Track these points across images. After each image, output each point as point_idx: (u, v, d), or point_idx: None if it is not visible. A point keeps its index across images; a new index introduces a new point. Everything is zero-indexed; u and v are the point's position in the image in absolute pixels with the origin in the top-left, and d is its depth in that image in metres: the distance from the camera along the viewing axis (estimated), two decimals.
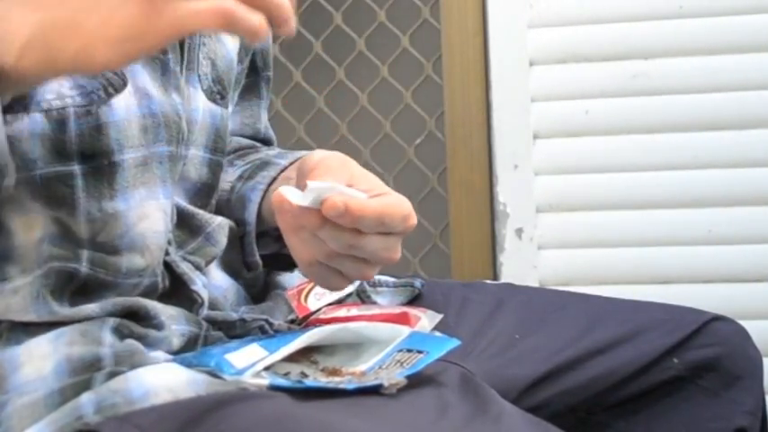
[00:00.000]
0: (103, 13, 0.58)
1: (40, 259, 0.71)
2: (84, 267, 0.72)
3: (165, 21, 0.58)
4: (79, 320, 0.70)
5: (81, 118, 0.72)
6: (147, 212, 0.75)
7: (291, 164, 0.89)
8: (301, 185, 0.72)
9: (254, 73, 0.97)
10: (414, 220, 0.73)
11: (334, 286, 0.76)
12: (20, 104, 0.70)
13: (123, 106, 0.74)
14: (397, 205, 0.72)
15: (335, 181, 0.71)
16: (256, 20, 0.58)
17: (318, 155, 0.77)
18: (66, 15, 0.59)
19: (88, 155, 0.72)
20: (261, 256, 0.89)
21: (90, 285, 0.73)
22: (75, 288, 0.72)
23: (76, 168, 0.72)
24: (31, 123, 0.70)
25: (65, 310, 0.71)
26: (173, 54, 0.78)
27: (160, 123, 0.75)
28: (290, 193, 0.69)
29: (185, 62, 0.79)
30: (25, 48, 0.58)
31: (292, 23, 0.60)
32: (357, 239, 0.70)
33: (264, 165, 0.91)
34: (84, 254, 0.72)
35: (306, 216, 0.69)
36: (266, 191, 0.88)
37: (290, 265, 0.96)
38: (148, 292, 0.76)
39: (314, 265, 0.74)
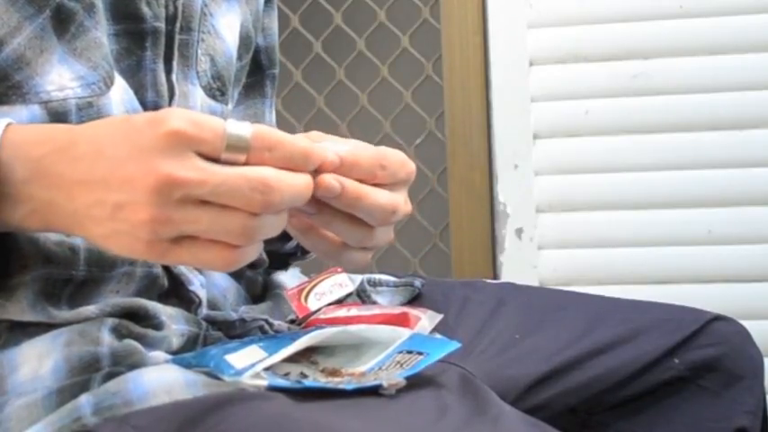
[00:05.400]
0: (107, 229, 0.60)
1: (38, 253, 0.70)
2: (80, 266, 0.72)
3: (166, 260, 0.61)
4: (78, 322, 0.70)
5: (83, 110, 0.71)
6: None
7: None
8: None
9: (259, 71, 0.96)
10: (412, 165, 0.71)
11: (363, 262, 0.74)
12: (17, 95, 0.69)
13: (119, 100, 0.73)
14: (388, 153, 0.70)
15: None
16: (255, 255, 0.62)
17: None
18: (68, 211, 0.61)
19: None
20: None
21: (87, 284, 0.72)
22: (73, 290, 0.72)
23: None
24: (29, 115, 0.70)
25: (63, 314, 0.70)
26: (152, 51, 0.77)
27: None
28: None
29: (176, 58, 0.78)
30: (25, 218, 0.63)
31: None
32: (368, 232, 0.69)
33: None
34: (81, 246, 0.72)
35: (314, 218, 0.68)
36: None
37: (283, 263, 0.96)
38: (147, 290, 0.76)
39: (339, 253, 0.73)
